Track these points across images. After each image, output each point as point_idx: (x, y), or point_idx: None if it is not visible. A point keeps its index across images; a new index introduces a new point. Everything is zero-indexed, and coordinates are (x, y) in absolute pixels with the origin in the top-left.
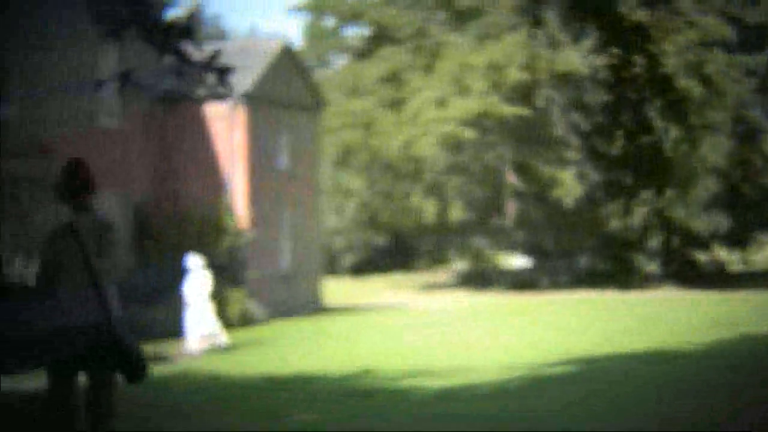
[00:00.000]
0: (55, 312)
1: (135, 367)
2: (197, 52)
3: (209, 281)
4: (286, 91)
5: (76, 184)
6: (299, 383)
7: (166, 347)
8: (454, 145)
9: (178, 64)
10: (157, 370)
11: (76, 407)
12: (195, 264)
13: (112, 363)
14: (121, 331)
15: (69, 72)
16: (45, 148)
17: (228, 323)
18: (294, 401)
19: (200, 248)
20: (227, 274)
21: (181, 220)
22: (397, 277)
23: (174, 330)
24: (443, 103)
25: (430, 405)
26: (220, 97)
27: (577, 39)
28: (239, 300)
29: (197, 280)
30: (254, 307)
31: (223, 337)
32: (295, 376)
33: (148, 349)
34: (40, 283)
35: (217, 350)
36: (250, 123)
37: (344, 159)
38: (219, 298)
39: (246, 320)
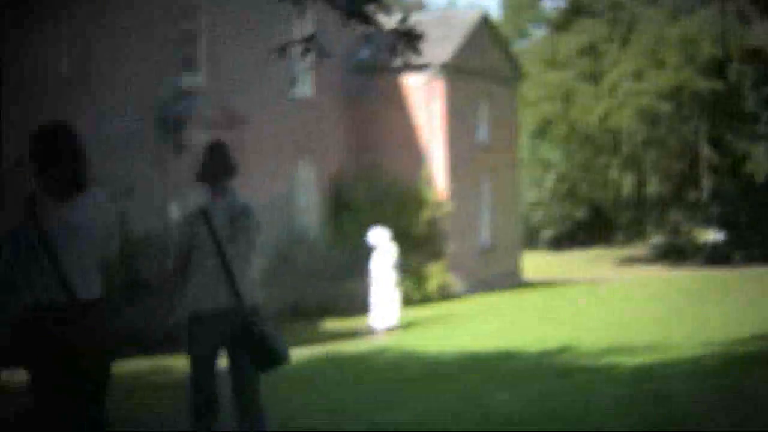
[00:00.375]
0: (188, 299)
1: (268, 356)
2: (389, 20)
3: (394, 255)
4: (485, 62)
5: (216, 167)
6: (497, 360)
7: (362, 323)
8: (651, 118)
9: (368, 31)
10: (353, 345)
11: (216, 392)
12: (381, 238)
13: (245, 350)
14: (253, 319)
15: (260, 40)
16: (237, 118)
17: (427, 297)
18: (492, 379)
19: (399, 221)
20: (427, 248)
21: (379, 192)
22: (596, 251)
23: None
24: (639, 76)
25: (629, 383)
26: (417, 68)
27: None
28: (439, 274)
29: (383, 254)
30: (453, 281)
31: (395, 317)
32: (493, 352)
33: (343, 324)
34: (175, 269)
35: (407, 326)
36: (449, 94)
37: (543, 131)
38: (418, 272)
39: (445, 294)
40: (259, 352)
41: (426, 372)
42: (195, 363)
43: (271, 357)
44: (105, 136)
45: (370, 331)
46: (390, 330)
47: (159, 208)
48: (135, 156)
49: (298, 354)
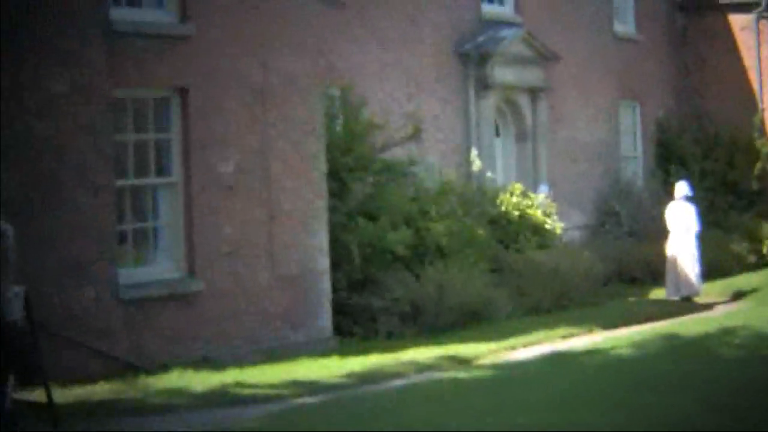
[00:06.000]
0: None
1: (28, 370)
2: None
3: (690, 215)
4: None
5: None
6: None
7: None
8: None
9: None
10: (687, 323)
11: None
12: (679, 191)
13: (9, 365)
14: (12, 334)
15: None
16: (549, 54)
17: (763, 260)
18: None
19: (728, 175)
20: (761, 204)
21: (707, 141)
22: None
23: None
24: None
25: None
26: (743, 6)
27: None
28: None
29: (676, 210)
30: None
31: (696, 287)
32: None
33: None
34: None
35: (745, 297)
36: None
37: None
38: (753, 232)
39: None
40: (23, 366)
41: None
42: None
43: (33, 372)
44: (386, 70)
45: (706, 305)
46: (685, 300)
47: (457, 158)
48: (426, 93)
49: (626, 333)
